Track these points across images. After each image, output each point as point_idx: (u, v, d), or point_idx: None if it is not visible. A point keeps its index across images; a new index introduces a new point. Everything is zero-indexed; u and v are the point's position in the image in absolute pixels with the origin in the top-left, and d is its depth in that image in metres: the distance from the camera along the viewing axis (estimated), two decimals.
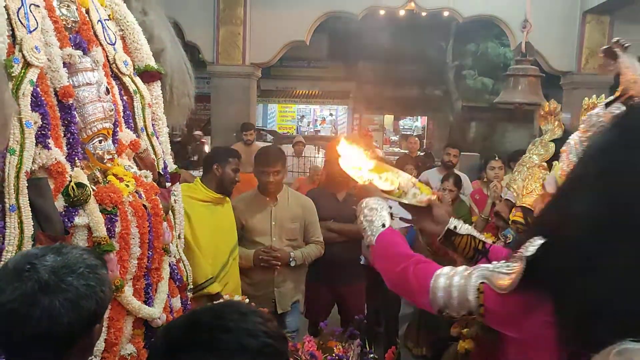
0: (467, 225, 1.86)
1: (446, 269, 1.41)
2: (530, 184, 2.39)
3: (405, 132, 21.88)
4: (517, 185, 2.44)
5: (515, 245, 1.31)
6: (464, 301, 1.31)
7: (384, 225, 1.70)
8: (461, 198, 5.06)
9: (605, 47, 1.52)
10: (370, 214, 1.74)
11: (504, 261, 1.26)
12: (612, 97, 1.32)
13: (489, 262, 1.43)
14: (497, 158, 5.46)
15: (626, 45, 1.54)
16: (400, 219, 2.02)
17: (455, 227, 1.80)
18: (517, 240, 1.49)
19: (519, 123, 12.97)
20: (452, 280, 1.36)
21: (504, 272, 1.22)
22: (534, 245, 1.14)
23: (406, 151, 8.56)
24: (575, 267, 1.06)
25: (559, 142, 2.34)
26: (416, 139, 9.36)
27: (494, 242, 2.91)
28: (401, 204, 1.88)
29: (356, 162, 1.99)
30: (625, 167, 1.09)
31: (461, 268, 1.39)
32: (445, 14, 8.67)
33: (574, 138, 1.33)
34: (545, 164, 2.39)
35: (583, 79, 8.11)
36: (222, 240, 3.38)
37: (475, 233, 1.83)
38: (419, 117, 22.50)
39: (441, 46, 17.62)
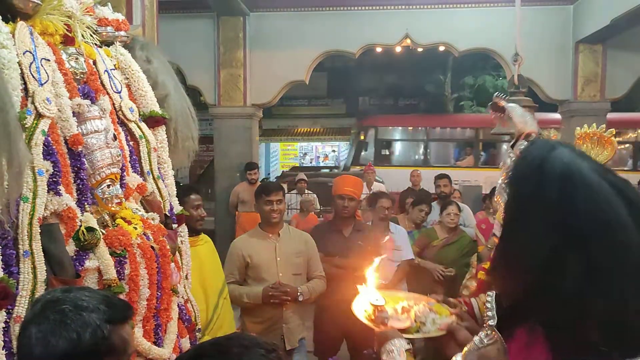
0: None
1: None
2: None
3: None
4: None
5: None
6: None
7: None
8: (462, 229, 5.08)
9: (490, 103, 1.70)
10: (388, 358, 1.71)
11: (483, 333, 1.24)
12: (514, 140, 1.44)
13: None
14: None
15: (505, 96, 1.68)
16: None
17: None
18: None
19: None
20: None
21: (488, 344, 1.22)
22: (491, 308, 1.15)
23: (409, 184, 8.58)
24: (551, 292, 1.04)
25: None
26: (419, 171, 9.39)
27: None
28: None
29: (367, 302, 1.99)
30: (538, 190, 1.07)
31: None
32: (441, 48, 8.85)
33: (498, 182, 1.41)
34: None
35: (580, 107, 8.22)
36: (209, 282, 3.33)
37: None
38: None
39: (440, 79, 17.86)
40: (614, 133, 2.45)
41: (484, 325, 1.16)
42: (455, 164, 13.57)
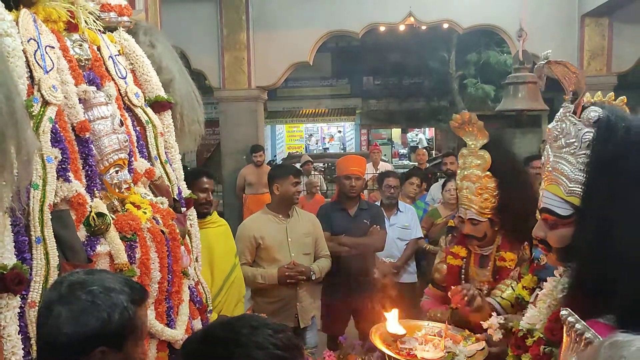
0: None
1: None
2: (486, 194, 2.43)
3: (413, 145, 21.93)
4: (475, 204, 2.45)
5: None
6: None
7: None
8: None
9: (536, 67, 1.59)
10: None
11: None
12: (569, 102, 1.39)
13: None
14: None
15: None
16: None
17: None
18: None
19: (526, 129, 12.99)
20: None
21: None
22: (584, 327, 1.07)
23: (415, 163, 8.58)
24: None
25: (488, 147, 2.41)
26: (424, 150, 9.38)
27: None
28: None
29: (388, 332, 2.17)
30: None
31: None
32: (445, 26, 8.76)
33: (548, 150, 1.39)
34: (489, 173, 2.41)
35: (586, 81, 8.13)
36: (217, 264, 3.34)
37: None
38: (426, 128, 22.54)
39: (444, 57, 17.67)
40: (625, 101, 2.36)
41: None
42: None
